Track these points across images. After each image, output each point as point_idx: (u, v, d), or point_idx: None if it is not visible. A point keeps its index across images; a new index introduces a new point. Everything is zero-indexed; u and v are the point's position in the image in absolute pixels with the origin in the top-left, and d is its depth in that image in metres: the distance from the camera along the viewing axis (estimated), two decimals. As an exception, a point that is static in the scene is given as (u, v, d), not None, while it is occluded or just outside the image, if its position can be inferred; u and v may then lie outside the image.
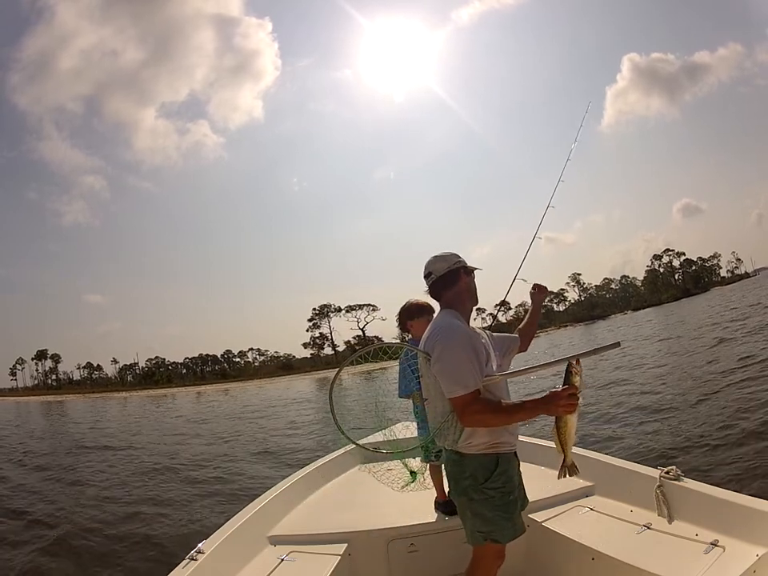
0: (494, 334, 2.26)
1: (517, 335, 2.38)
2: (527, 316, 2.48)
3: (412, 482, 2.97)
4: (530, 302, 2.51)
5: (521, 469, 2.11)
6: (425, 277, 2.12)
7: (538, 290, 2.47)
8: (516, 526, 1.95)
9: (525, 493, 2.11)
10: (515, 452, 2.05)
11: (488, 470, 1.92)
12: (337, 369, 3.19)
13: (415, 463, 3.05)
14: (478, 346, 1.90)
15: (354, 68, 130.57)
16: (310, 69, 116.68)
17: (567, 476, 1.91)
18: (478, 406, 1.82)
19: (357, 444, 2.74)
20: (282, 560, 2.35)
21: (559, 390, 1.76)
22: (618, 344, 2.45)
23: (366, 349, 2.77)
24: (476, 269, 2.15)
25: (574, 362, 1.77)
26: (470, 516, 1.96)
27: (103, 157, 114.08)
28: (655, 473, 2.40)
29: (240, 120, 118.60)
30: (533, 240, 2.89)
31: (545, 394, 1.78)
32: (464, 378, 1.83)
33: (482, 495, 1.92)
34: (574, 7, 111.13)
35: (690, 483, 2.29)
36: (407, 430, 3.20)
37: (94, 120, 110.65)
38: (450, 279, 2.06)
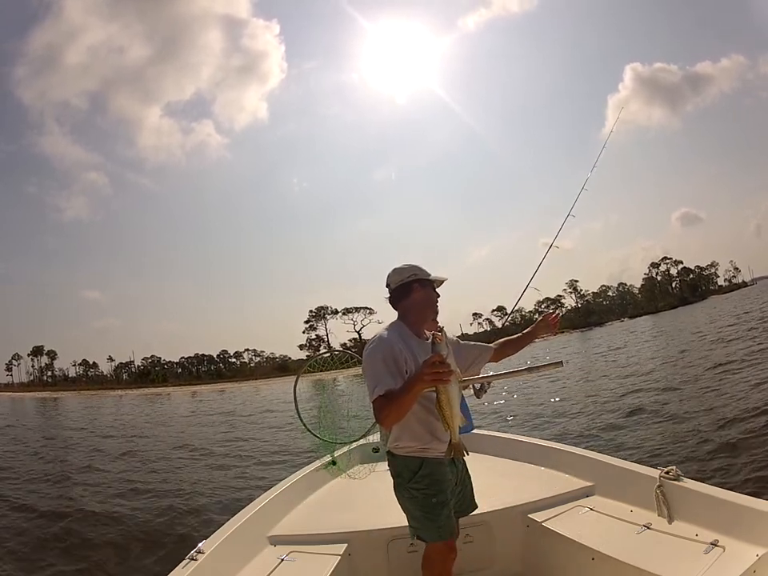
0: (462, 342, 2.32)
1: (492, 346, 2.40)
2: (520, 338, 2.46)
3: (325, 467, 3.53)
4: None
5: (525, 470, 2.12)
6: (386, 287, 2.22)
7: (546, 327, 2.45)
8: (441, 528, 2.03)
9: (469, 499, 2.23)
10: (453, 459, 2.10)
11: (411, 471, 2.05)
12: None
13: (342, 454, 3.65)
14: (399, 357, 1.98)
15: (359, 71, 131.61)
16: (315, 71, 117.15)
17: (453, 455, 1.94)
18: (382, 405, 1.89)
19: (309, 431, 3.76)
20: (282, 560, 2.35)
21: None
22: (560, 363, 2.57)
23: (313, 358, 4.21)
24: (439, 280, 2.21)
25: (438, 331, 1.80)
26: (404, 510, 2.14)
27: (106, 153, 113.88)
28: (655, 473, 2.41)
29: (245, 121, 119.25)
30: (549, 249, 2.94)
31: None
32: (376, 385, 1.91)
33: (408, 494, 2.08)
34: (578, 16, 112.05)
35: (689, 483, 2.30)
36: None
37: (98, 116, 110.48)
38: (403, 292, 2.15)
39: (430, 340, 2.10)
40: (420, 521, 2.06)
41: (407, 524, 2.12)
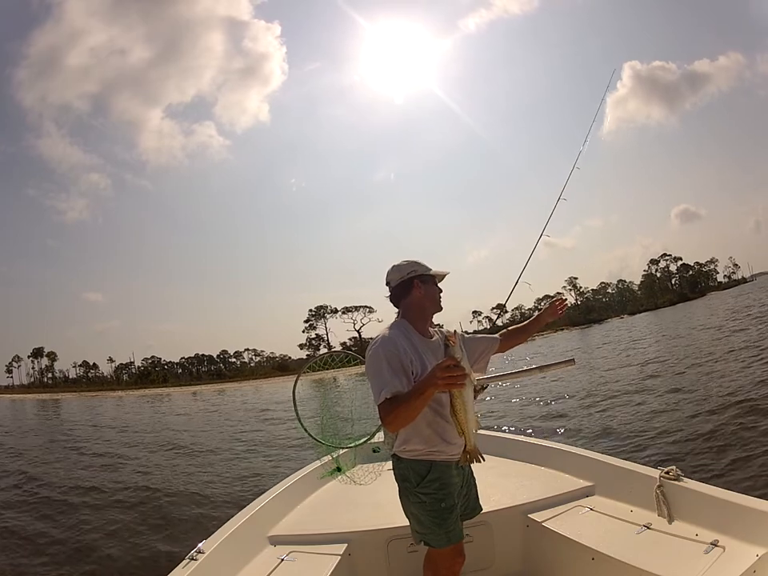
0: (467, 336, 2.27)
1: (497, 336, 2.34)
2: (527, 325, 2.42)
3: (330, 473, 3.46)
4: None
5: (525, 470, 2.09)
6: (386, 285, 2.16)
7: (552, 313, 2.40)
8: (450, 533, 1.98)
9: (474, 501, 2.19)
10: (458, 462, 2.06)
11: (420, 475, 1.99)
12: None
13: (346, 459, 3.59)
14: (404, 358, 1.92)
15: (359, 73, 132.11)
16: (316, 72, 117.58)
17: (468, 462, 1.89)
18: (390, 408, 1.83)
19: (308, 433, 3.66)
20: (282, 560, 2.35)
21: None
22: (572, 361, 2.58)
23: (312, 359, 4.11)
24: (440, 274, 2.15)
25: (452, 334, 1.75)
26: (409, 516, 2.07)
27: (107, 156, 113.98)
28: (655, 473, 2.40)
29: (246, 123, 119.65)
30: (540, 237, 2.89)
31: None
32: (382, 387, 1.85)
33: (415, 498, 2.01)
34: (577, 16, 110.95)
35: (690, 483, 2.29)
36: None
37: (99, 119, 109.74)
38: (403, 290, 2.10)
39: (434, 338, 2.10)
40: (428, 526, 1.99)
41: (408, 526, 2.09)
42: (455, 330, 1.78)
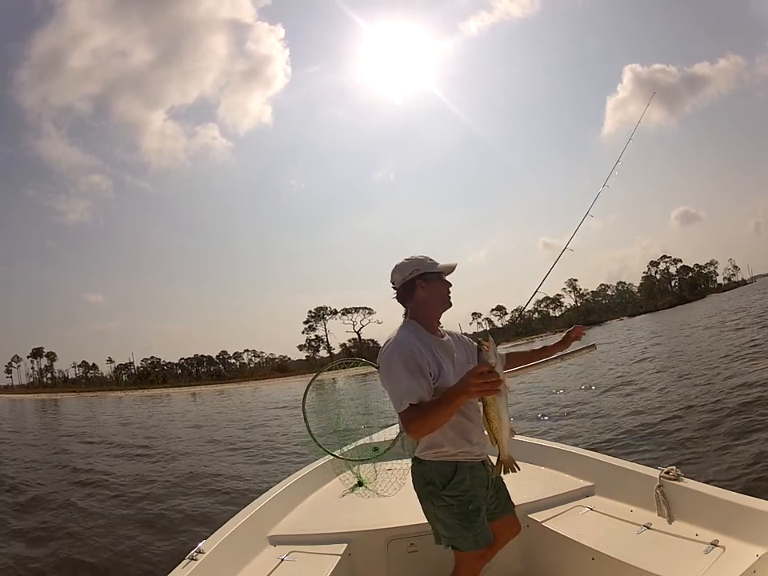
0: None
1: (504, 354, 2.21)
2: (539, 353, 2.36)
3: (351, 490, 3.20)
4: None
5: (525, 470, 2.06)
6: (391, 285, 2.09)
7: (565, 342, 2.34)
8: (478, 536, 1.91)
9: (504, 501, 2.11)
10: (483, 462, 2.02)
11: (445, 477, 1.92)
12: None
13: (367, 471, 3.32)
14: (421, 360, 1.84)
15: (361, 75, 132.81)
16: (318, 75, 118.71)
17: (503, 473, 1.84)
18: (416, 414, 1.75)
19: (323, 448, 3.44)
20: (282, 560, 2.35)
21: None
22: (593, 346, 2.56)
23: (321, 370, 4.08)
24: (448, 268, 2.04)
25: (484, 340, 1.66)
26: (434, 520, 1.99)
27: (109, 157, 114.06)
28: (655, 473, 2.40)
29: (249, 125, 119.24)
30: (563, 251, 2.90)
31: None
32: (404, 393, 1.78)
33: (441, 501, 1.93)
34: (578, 18, 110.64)
35: (690, 483, 2.29)
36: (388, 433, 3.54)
37: (101, 120, 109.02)
38: (407, 291, 2.02)
39: (445, 338, 2.04)
40: (455, 530, 1.92)
41: (408, 526, 2.08)
42: (488, 335, 1.69)
